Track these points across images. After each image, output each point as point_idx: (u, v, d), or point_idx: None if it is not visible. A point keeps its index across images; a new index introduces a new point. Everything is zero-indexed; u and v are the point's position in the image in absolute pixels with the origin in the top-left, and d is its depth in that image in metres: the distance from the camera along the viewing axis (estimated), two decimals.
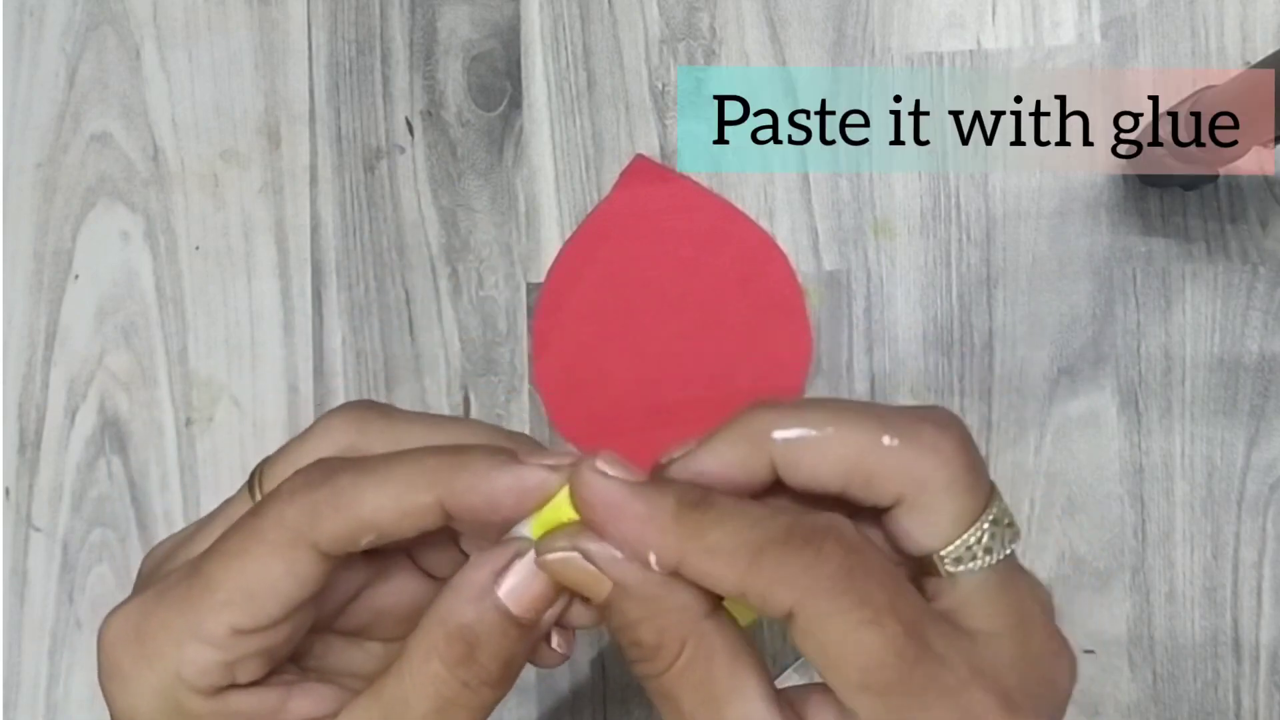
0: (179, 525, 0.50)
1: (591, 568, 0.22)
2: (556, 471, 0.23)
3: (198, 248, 0.52)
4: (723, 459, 0.23)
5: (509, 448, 0.24)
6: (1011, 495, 0.48)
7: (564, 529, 0.23)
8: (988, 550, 0.23)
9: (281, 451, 0.26)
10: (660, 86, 0.51)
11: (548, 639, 0.25)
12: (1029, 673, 0.23)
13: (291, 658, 0.26)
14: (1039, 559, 0.48)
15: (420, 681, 0.23)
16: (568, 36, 0.51)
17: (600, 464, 0.22)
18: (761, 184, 0.50)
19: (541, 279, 0.50)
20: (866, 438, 0.23)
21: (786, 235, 0.50)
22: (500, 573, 0.23)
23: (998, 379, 0.48)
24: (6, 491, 0.51)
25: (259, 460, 0.27)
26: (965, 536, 0.23)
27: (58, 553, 0.50)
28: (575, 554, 0.23)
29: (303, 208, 0.51)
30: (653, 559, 0.22)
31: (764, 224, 0.50)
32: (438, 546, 0.26)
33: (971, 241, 0.49)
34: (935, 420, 0.23)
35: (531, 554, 0.23)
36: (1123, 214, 0.49)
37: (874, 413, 0.23)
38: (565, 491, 0.23)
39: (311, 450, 0.25)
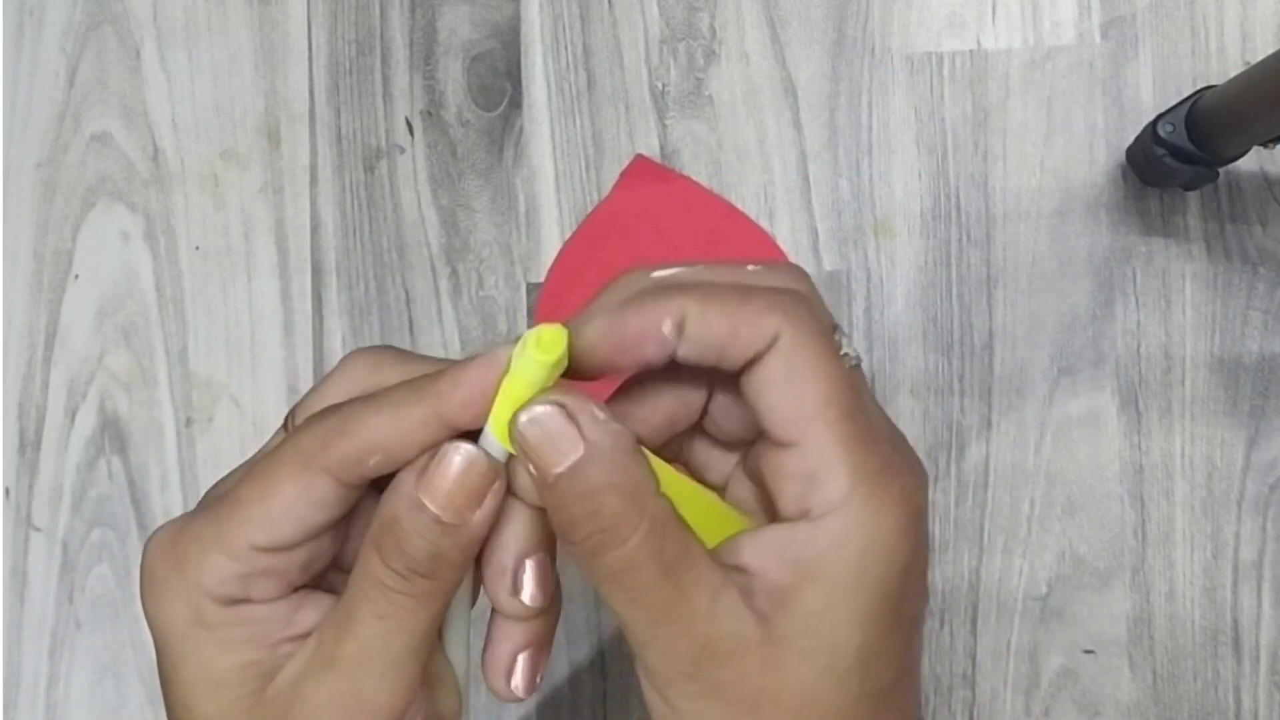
0: None
1: (570, 428, 0.24)
2: (501, 348, 0.25)
3: (198, 248, 0.52)
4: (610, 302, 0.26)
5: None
6: (1011, 495, 0.48)
7: (545, 392, 0.25)
8: (846, 355, 0.26)
9: (309, 393, 0.28)
10: (660, 86, 0.51)
11: (515, 586, 0.27)
12: (907, 456, 0.26)
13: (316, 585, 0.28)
14: (1039, 559, 0.48)
15: (365, 574, 0.25)
16: (568, 36, 0.51)
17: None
18: (761, 184, 0.50)
19: (541, 279, 0.50)
20: (737, 267, 0.27)
21: (786, 235, 0.50)
22: (420, 471, 0.25)
23: (998, 379, 0.48)
24: (6, 491, 0.51)
25: None
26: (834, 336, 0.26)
27: (58, 553, 0.50)
28: (557, 410, 0.24)
29: (303, 208, 0.51)
30: (667, 325, 0.25)
31: (764, 224, 0.50)
32: None
33: (971, 241, 0.49)
34: (783, 261, 0.29)
35: (449, 456, 0.25)
36: (1123, 214, 0.49)
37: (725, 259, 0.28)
38: (520, 382, 0.25)
39: (334, 387, 0.28)
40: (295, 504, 0.25)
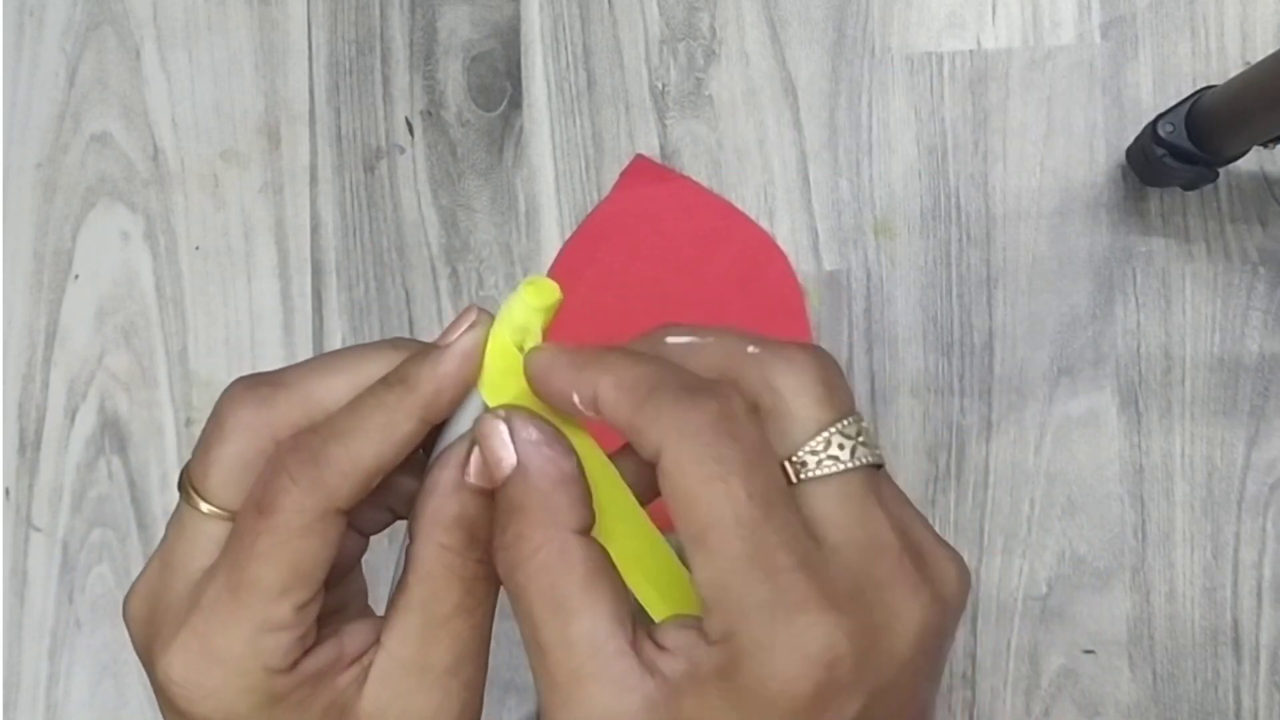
0: None
1: (510, 443, 0.25)
2: (476, 327, 0.26)
3: (198, 248, 0.52)
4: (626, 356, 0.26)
5: (421, 345, 0.27)
6: (1011, 495, 0.48)
7: (502, 406, 0.26)
8: (833, 459, 0.24)
9: (201, 455, 0.27)
10: (660, 86, 0.51)
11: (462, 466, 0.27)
12: (866, 592, 0.23)
13: None
14: (1039, 559, 0.48)
15: (442, 574, 0.26)
16: (568, 36, 0.51)
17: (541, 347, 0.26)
18: (761, 184, 0.50)
19: None
20: (738, 346, 0.25)
21: (786, 235, 0.50)
22: (464, 465, 0.26)
23: (998, 379, 0.48)
24: (6, 491, 0.51)
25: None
26: (813, 443, 0.24)
27: (58, 553, 0.50)
28: (503, 426, 0.25)
29: (303, 208, 0.51)
30: (575, 397, 0.25)
31: (764, 224, 0.50)
32: (371, 507, 0.29)
33: (971, 241, 0.49)
34: (802, 345, 0.25)
35: (495, 436, 0.25)
36: (1123, 214, 0.49)
37: (752, 333, 0.26)
38: (497, 345, 0.26)
39: (233, 443, 0.26)
40: (321, 553, 0.25)
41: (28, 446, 0.51)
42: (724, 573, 0.22)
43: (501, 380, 0.26)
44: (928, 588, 0.24)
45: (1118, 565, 0.47)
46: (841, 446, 0.24)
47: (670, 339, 0.26)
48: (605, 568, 0.24)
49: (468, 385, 0.26)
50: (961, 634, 0.47)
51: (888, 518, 0.24)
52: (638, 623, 0.24)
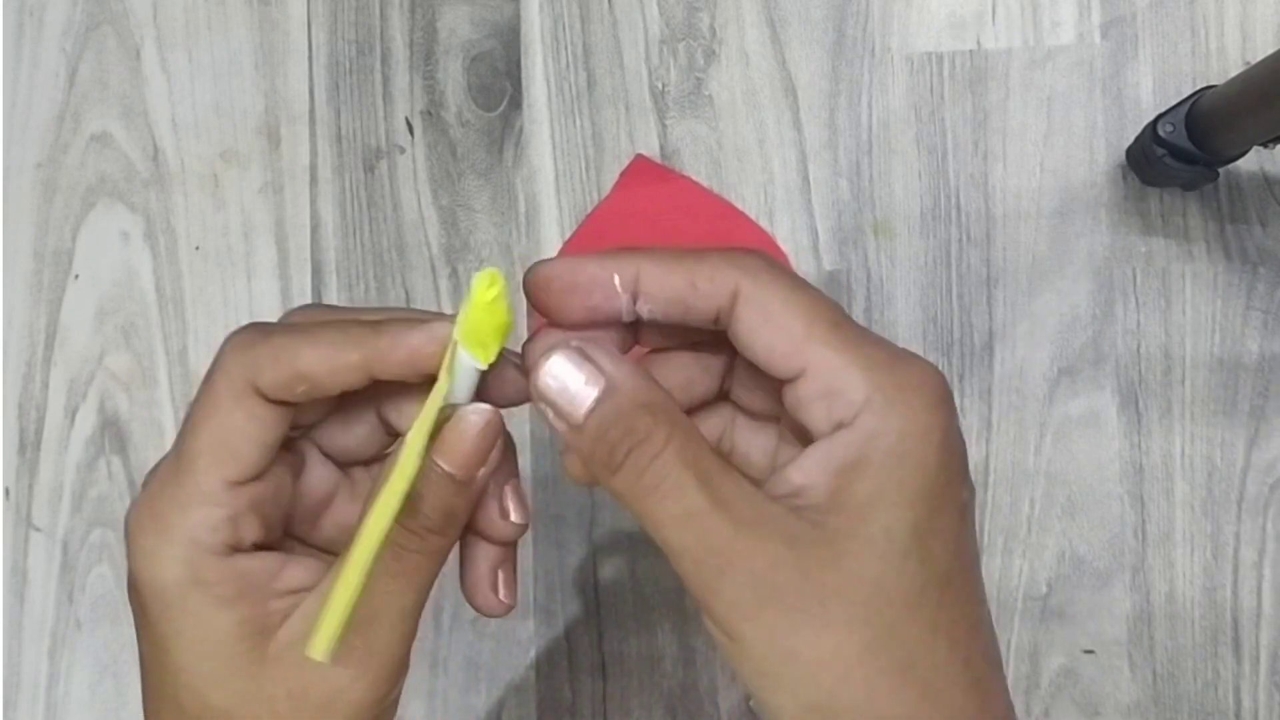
0: None
1: (589, 365, 0.26)
2: (445, 323, 0.27)
3: (198, 248, 0.52)
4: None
5: (421, 313, 0.28)
6: (1011, 495, 0.48)
7: (547, 340, 0.26)
8: None
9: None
10: (660, 86, 0.51)
11: (503, 511, 0.29)
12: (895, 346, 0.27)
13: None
14: (1039, 559, 0.48)
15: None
16: (568, 36, 0.51)
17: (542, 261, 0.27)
18: (761, 184, 0.50)
19: None
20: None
21: (786, 235, 0.50)
22: (434, 438, 0.26)
23: (998, 379, 0.48)
24: (6, 491, 0.51)
25: None
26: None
27: (58, 553, 0.50)
28: (570, 357, 0.26)
29: (303, 208, 0.51)
30: (617, 280, 0.26)
31: (764, 224, 0.50)
32: (338, 434, 0.30)
33: (971, 241, 0.49)
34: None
35: (468, 419, 0.27)
36: (1123, 214, 0.49)
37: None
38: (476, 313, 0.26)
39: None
40: (246, 427, 0.26)
41: (28, 446, 0.51)
42: (842, 350, 0.25)
43: (483, 334, 0.27)
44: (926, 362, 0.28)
45: (1118, 565, 0.47)
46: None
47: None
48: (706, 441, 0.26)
49: (421, 357, 0.26)
50: None
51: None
52: None
